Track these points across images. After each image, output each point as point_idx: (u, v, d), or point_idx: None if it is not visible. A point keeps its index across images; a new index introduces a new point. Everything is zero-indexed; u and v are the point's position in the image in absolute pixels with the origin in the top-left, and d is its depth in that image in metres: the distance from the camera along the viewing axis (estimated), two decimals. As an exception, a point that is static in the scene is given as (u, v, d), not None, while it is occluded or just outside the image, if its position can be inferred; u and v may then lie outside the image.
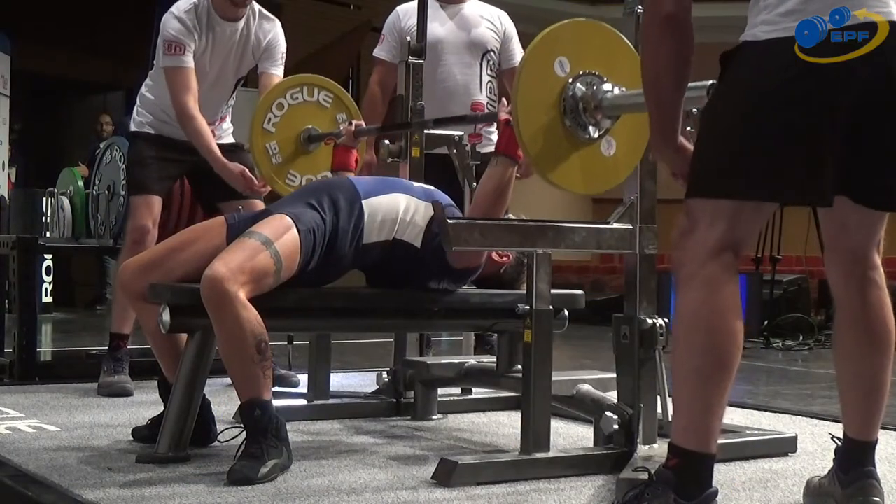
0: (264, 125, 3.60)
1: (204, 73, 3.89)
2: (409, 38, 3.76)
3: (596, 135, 2.45)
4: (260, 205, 3.76)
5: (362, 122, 3.55)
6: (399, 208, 2.88)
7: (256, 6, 3.96)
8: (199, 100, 3.80)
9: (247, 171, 3.72)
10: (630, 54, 2.45)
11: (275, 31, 3.99)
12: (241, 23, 3.92)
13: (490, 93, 4.30)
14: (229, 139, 4.14)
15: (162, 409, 2.77)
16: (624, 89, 2.48)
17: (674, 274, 2.08)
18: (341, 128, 3.55)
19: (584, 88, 2.40)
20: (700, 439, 1.96)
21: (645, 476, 2.02)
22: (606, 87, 2.42)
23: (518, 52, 4.36)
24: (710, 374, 1.95)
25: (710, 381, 1.95)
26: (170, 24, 3.81)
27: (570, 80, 2.40)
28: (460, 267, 2.92)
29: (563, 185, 2.46)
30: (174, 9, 3.86)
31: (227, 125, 4.17)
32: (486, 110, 4.21)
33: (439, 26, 4.22)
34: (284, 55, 4.00)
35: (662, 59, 2.08)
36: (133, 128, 4.04)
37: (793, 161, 1.91)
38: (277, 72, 3.96)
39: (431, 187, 3.04)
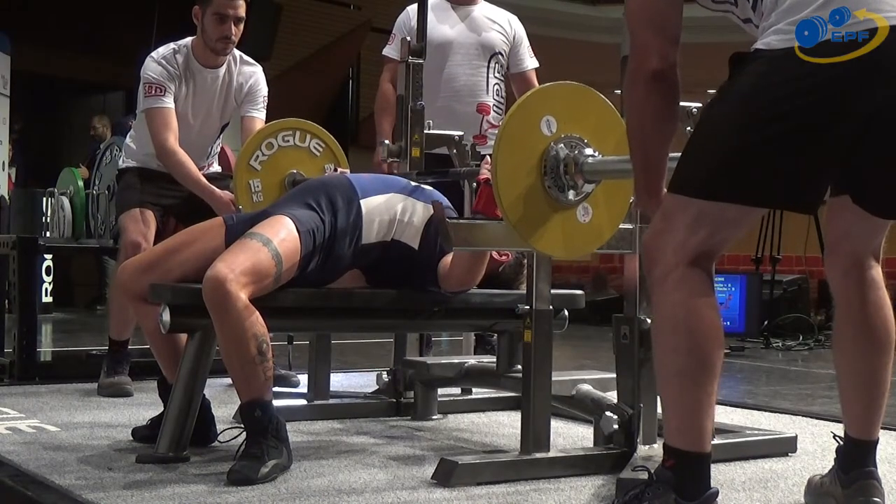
0: (250, 161, 3.58)
1: (187, 119, 3.92)
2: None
3: (574, 198, 2.37)
4: None
5: (347, 171, 3.54)
6: (397, 209, 2.89)
7: (237, 52, 3.99)
8: (185, 145, 3.84)
9: (235, 198, 3.71)
10: (619, 127, 2.36)
11: (256, 76, 4.03)
12: (223, 69, 3.96)
13: (497, 95, 4.31)
14: (216, 169, 4.18)
15: (162, 409, 2.77)
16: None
17: (646, 275, 2.07)
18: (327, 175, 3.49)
19: (566, 150, 2.33)
20: (693, 440, 1.96)
21: (645, 476, 2.02)
22: (589, 151, 2.35)
23: (528, 57, 4.36)
24: (693, 375, 1.94)
25: (695, 381, 1.94)
26: (150, 67, 3.87)
27: (554, 141, 2.34)
28: (452, 292, 2.92)
29: (541, 249, 2.41)
30: (154, 53, 3.91)
31: (216, 168, 4.19)
32: (493, 112, 4.23)
33: (449, 28, 4.23)
34: (266, 99, 4.03)
35: (649, 116, 2.05)
36: (120, 167, 4.09)
37: (784, 166, 1.89)
38: (259, 115, 3.99)
39: (429, 188, 3.04)
